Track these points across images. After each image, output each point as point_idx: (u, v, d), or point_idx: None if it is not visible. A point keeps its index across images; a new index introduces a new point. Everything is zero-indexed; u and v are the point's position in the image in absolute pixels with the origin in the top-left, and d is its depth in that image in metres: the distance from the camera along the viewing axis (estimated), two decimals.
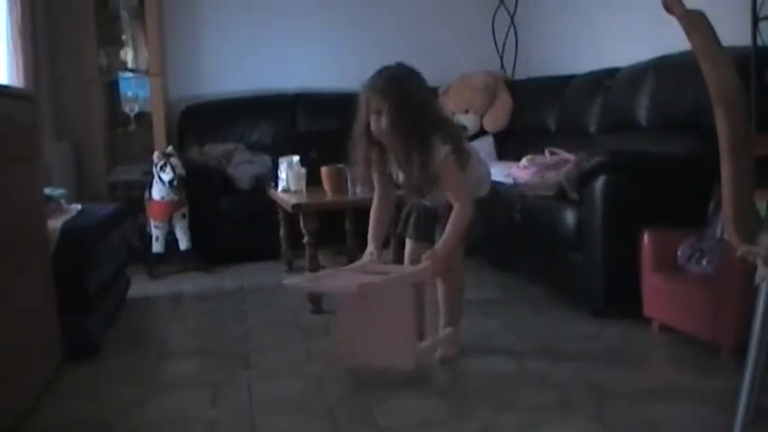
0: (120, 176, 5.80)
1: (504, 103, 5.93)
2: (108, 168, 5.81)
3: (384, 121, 2.77)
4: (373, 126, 2.81)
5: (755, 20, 3.52)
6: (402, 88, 2.77)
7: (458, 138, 2.93)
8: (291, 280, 3.04)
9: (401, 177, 2.92)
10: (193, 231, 5.19)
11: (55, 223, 3.50)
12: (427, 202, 3.05)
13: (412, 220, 3.12)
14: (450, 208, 2.88)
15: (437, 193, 2.91)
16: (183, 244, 5.16)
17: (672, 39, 2.60)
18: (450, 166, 2.81)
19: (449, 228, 2.83)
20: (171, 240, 5.19)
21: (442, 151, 2.80)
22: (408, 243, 3.16)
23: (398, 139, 2.80)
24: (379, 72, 2.83)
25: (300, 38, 6.34)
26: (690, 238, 3.28)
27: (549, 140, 5.10)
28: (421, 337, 3.02)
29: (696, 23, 1.71)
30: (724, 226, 1.84)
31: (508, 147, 5.73)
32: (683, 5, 1.78)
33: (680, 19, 1.74)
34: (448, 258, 2.84)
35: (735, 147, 1.74)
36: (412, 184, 2.88)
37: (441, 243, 2.84)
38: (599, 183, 3.44)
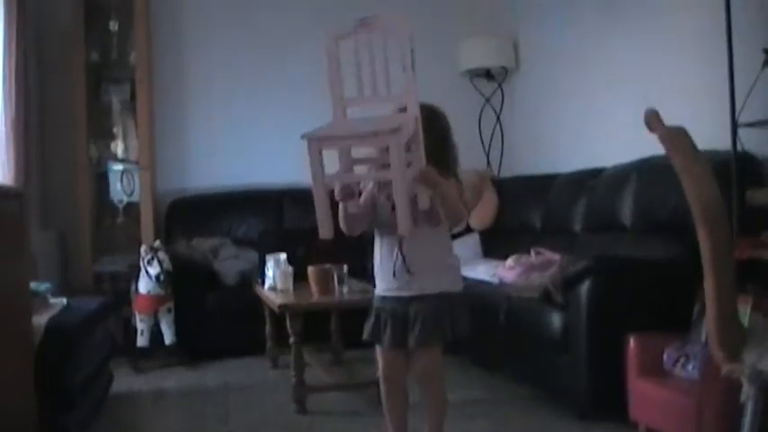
0: (106, 267, 5.81)
1: (490, 200, 5.99)
2: (94, 258, 5.80)
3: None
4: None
5: (735, 126, 3.61)
6: (430, 119, 2.76)
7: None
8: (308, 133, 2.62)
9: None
10: (178, 326, 5.17)
11: (40, 319, 3.48)
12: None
13: (386, 327, 2.99)
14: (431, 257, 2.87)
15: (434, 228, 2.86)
16: (168, 338, 5.14)
17: (655, 141, 2.65)
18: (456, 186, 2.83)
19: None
20: (156, 334, 5.16)
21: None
22: (382, 351, 2.99)
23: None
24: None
25: (287, 134, 6.37)
26: (675, 342, 3.29)
27: (535, 239, 5.14)
28: None
29: (678, 144, 1.76)
30: (708, 341, 1.85)
31: (494, 244, 5.75)
32: (664, 126, 1.83)
33: (661, 139, 1.79)
34: (434, 181, 2.64)
35: (717, 264, 1.77)
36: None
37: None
38: (584, 287, 3.47)
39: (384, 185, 2.76)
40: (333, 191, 2.60)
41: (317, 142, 2.28)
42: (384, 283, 2.94)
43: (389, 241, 2.88)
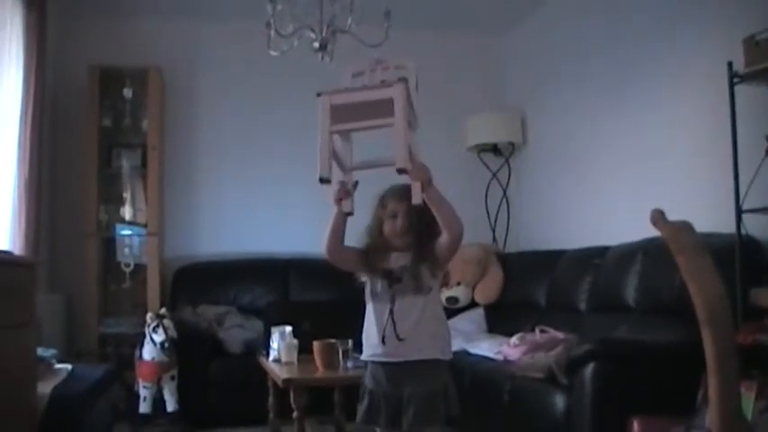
0: (111, 329, 5.80)
1: (495, 275, 6.02)
2: (99, 321, 5.81)
3: (399, 223, 2.86)
4: (388, 229, 2.89)
5: (739, 212, 3.66)
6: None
7: None
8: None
9: (397, 266, 2.91)
10: (181, 393, 5.16)
11: (44, 387, 3.50)
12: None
13: (380, 411, 2.99)
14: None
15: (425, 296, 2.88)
16: (171, 405, 5.12)
17: None
18: None
19: None
20: (158, 401, 5.15)
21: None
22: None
23: (410, 239, 2.86)
24: (398, 184, 2.89)
25: (294, 205, 6.49)
26: (679, 427, 3.28)
27: (540, 315, 5.16)
28: None
29: (683, 245, 1.80)
30: None
31: (498, 319, 5.77)
32: (670, 225, 1.86)
33: (667, 239, 1.83)
34: (428, 176, 2.68)
35: (721, 363, 1.79)
36: (405, 275, 2.84)
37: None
38: (588, 370, 3.47)
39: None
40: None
41: (327, 95, 2.59)
42: (372, 348, 2.92)
43: (381, 308, 2.88)
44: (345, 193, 2.81)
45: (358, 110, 2.61)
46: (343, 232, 2.92)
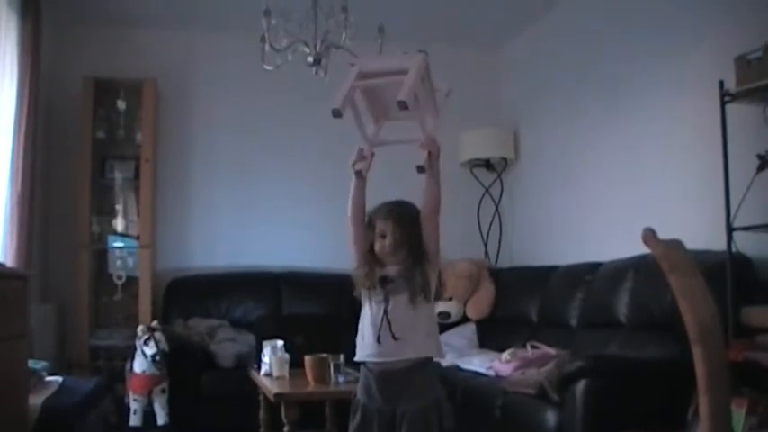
0: (103, 341, 5.79)
1: (487, 291, 6.03)
2: (91, 332, 5.80)
3: (387, 242, 2.90)
4: (378, 247, 2.93)
5: (730, 230, 3.68)
6: (402, 212, 2.93)
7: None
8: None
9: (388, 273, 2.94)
10: (172, 406, 5.14)
11: (36, 399, 3.49)
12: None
13: (372, 427, 2.97)
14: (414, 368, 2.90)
15: (419, 291, 2.91)
16: (161, 419, 5.10)
17: None
18: None
19: None
20: (149, 414, 5.12)
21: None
22: None
23: (402, 255, 2.91)
24: (383, 203, 3.00)
25: (287, 219, 6.52)
26: None
27: (531, 331, 5.18)
28: None
29: (675, 264, 1.81)
30: None
31: (490, 334, 5.78)
32: (661, 244, 1.88)
33: (659, 258, 1.84)
34: (436, 150, 2.80)
35: (712, 382, 1.80)
36: (399, 277, 2.90)
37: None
38: (580, 386, 3.48)
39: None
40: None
41: (358, 63, 2.82)
42: (367, 348, 2.93)
43: (376, 308, 2.91)
44: (361, 157, 2.90)
45: (381, 75, 2.77)
46: (361, 202, 2.97)
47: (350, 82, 2.73)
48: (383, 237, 2.94)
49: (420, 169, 2.76)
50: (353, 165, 2.90)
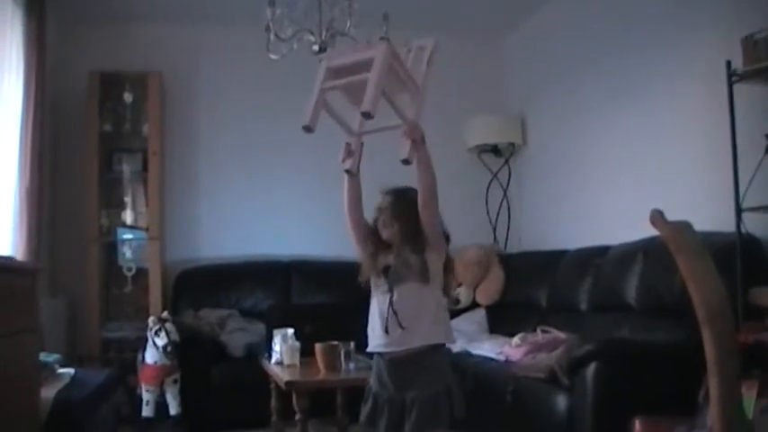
0: (114, 333, 5.82)
1: (496, 276, 6.02)
2: (101, 325, 5.83)
3: (384, 216, 2.97)
4: (380, 227, 3.00)
5: (739, 211, 3.67)
6: (399, 192, 2.99)
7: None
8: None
9: (390, 261, 2.97)
10: (184, 397, 5.16)
11: (48, 392, 3.51)
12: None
13: (382, 414, 2.94)
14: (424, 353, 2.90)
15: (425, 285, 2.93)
16: (173, 409, 5.13)
17: None
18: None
19: None
20: (161, 405, 5.14)
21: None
22: None
23: (395, 229, 2.95)
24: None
25: (295, 208, 6.53)
26: (681, 427, 3.28)
27: (541, 316, 5.17)
28: None
29: (682, 245, 1.80)
30: None
31: (500, 320, 5.78)
32: (669, 225, 1.87)
33: (666, 240, 1.83)
34: (419, 136, 2.79)
35: (722, 363, 1.79)
36: (398, 265, 2.93)
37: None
38: (590, 370, 3.49)
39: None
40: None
41: (327, 59, 2.85)
42: (376, 339, 2.97)
43: (382, 299, 2.95)
44: (348, 153, 2.93)
45: (349, 70, 2.75)
46: (356, 196, 3.01)
47: (318, 85, 2.75)
48: (380, 210, 3.00)
49: (405, 162, 2.76)
50: (343, 162, 2.93)
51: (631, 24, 5.10)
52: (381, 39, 2.77)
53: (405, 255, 2.92)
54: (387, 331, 2.91)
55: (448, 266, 3.07)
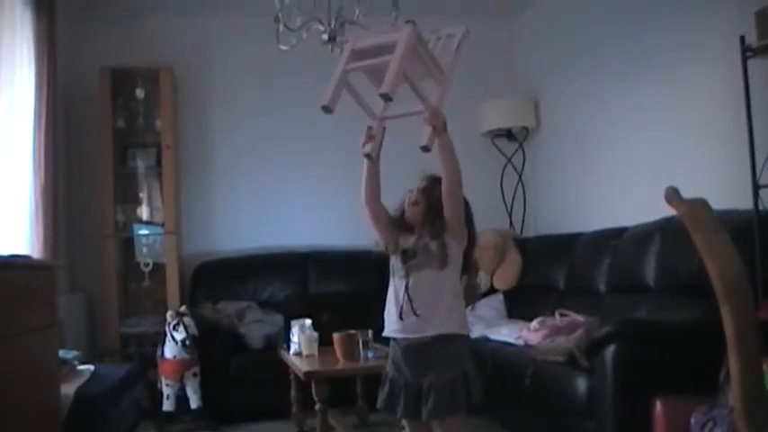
0: (133, 328, 5.85)
1: (513, 261, 6.00)
2: (120, 320, 5.85)
3: (413, 196, 3.00)
4: (406, 201, 3.02)
5: (756, 187, 3.63)
6: (437, 177, 2.95)
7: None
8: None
9: (410, 244, 2.98)
10: (204, 390, 5.18)
11: (68, 388, 3.52)
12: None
13: (399, 398, 2.96)
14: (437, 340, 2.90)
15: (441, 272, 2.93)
16: (194, 403, 5.14)
17: None
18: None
19: None
20: (182, 398, 5.16)
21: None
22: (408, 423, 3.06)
23: (420, 213, 2.97)
24: None
25: (312, 198, 6.53)
26: (702, 407, 3.25)
27: (559, 299, 5.15)
28: None
29: (699, 222, 1.78)
30: (734, 421, 1.85)
31: (518, 304, 5.77)
32: (685, 203, 1.85)
33: (683, 217, 1.81)
34: (441, 123, 2.80)
35: (741, 340, 1.77)
36: (418, 248, 2.94)
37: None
38: (609, 351, 3.46)
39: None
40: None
41: (351, 40, 2.86)
42: (391, 325, 2.98)
43: (398, 284, 2.95)
44: (369, 137, 2.90)
45: (374, 52, 2.75)
46: (376, 182, 3.00)
47: (341, 66, 2.72)
48: (411, 191, 3.02)
49: (425, 149, 2.73)
50: (363, 146, 2.90)
51: (644, 2, 5.04)
52: (407, 22, 2.70)
53: (425, 238, 2.92)
54: (401, 317, 2.92)
55: (472, 260, 3.07)
